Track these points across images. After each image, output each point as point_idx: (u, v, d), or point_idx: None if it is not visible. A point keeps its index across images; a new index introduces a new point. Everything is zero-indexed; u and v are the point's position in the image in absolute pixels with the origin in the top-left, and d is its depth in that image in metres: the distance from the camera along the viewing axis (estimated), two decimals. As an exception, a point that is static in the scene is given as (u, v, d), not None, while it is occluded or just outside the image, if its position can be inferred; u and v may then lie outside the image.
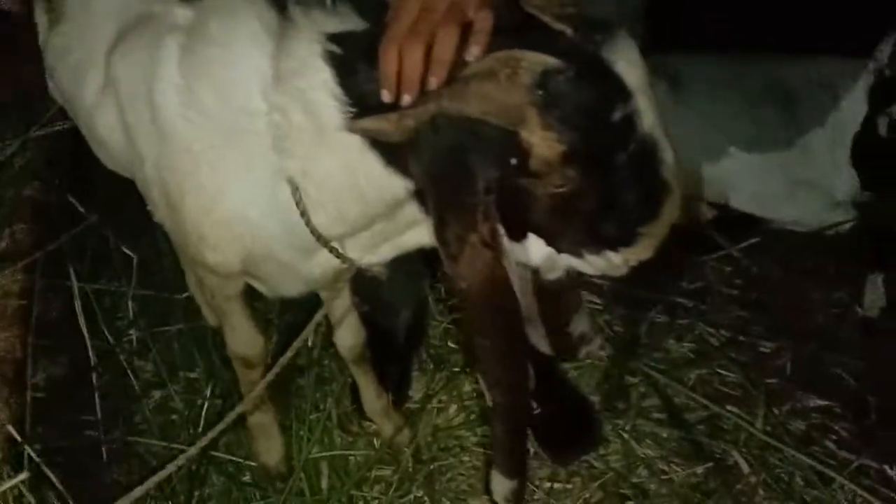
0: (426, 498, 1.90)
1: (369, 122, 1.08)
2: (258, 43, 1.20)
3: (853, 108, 2.34)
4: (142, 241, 2.31)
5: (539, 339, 1.30)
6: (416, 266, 2.19)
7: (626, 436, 2.00)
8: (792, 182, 2.54)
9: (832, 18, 2.48)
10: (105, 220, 2.19)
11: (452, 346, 2.30)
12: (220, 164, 1.26)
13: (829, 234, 2.49)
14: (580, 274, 1.19)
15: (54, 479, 1.48)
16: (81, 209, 2.07)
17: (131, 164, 1.45)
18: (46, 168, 2.13)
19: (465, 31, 1.06)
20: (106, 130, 1.47)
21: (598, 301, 2.33)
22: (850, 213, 2.46)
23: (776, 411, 2.04)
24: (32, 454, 1.46)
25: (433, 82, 1.05)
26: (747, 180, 2.54)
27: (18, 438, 1.48)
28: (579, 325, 1.36)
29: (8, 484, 1.37)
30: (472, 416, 2.09)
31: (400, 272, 2.05)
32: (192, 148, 1.26)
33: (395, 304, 2.18)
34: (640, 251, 1.12)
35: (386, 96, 1.08)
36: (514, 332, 1.14)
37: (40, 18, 1.74)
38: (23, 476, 1.36)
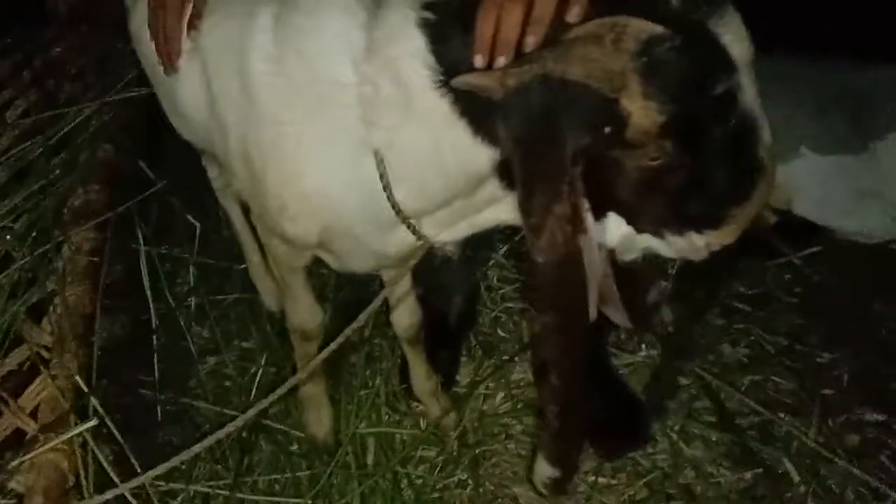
0: (470, 481, 1.91)
1: (473, 78, 1.06)
2: (351, 13, 1.20)
3: (928, 119, 2.27)
4: (205, 211, 2.36)
5: (616, 313, 1.27)
6: (471, 252, 2.19)
7: (674, 436, 1.99)
8: (858, 192, 2.47)
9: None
10: (172, 188, 2.24)
11: (502, 334, 2.31)
12: (305, 136, 1.26)
13: (894, 247, 2.44)
14: (656, 257, 1.18)
15: (115, 432, 1.51)
16: (151, 175, 2.12)
17: (211, 133, 1.46)
18: (121, 132, 2.17)
19: None
20: (188, 98, 1.49)
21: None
22: (918, 227, 2.40)
23: (830, 422, 2.00)
24: (97, 406, 1.50)
25: (531, 41, 1.04)
26: (813, 186, 2.48)
27: (85, 389, 1.52)
28: (653, 294, 1.34)
29: (75, 431, 1.41)
30: (519, 405, 2.10)
31: (459, 254, 2.08)
32: (280, 119, 1.27)
33: (450, 288, 2.19)
34: (725, 234, 1.10)
35: (479, 60, 1.07)
36: (578, 312, 1.12)
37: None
38: (91, 423, 1.40)
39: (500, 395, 2.13)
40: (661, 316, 1.36)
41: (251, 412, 1.45)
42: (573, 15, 1.03)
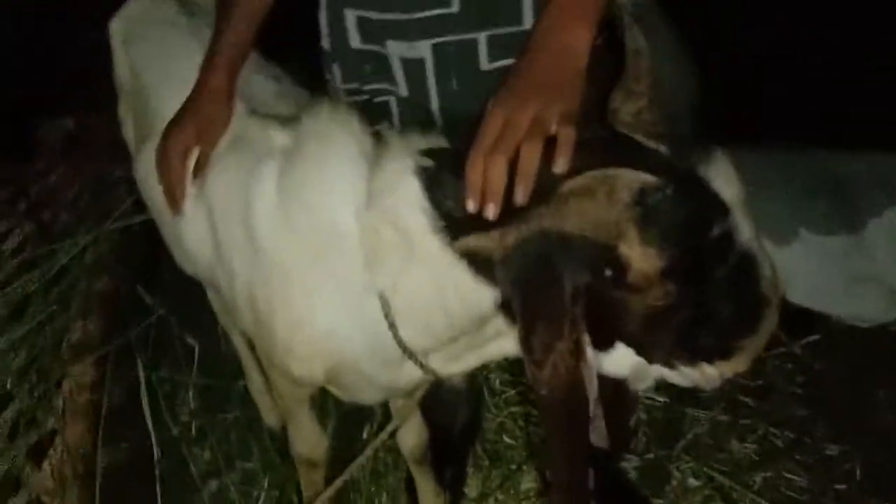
0: None
1: (473, 241, 1.09)
2: (353, 165, 1.23)
3: (914, 203, 2.32)
4: (202, 329, 2.36)
5: (600, 437, 1.27)
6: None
7: (690, 541, 1.96)
8: (851, 276, 2.50)
9: (887, 113, 2.48)
10: (169, 309, 2.24)
11: (508, 441, 2.28)
12: (311, 281, 1.28)
13: (894, 329, 2.44)
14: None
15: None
16: (149, 301, 2.13)
17: (216, 275, 1.48)
18: (117, 261, 2.19)
19: (550, 145, 1.07)
20: (194, 242, 1.51)
21: (658, 398, 2.30)
22: (916, 308, 2.41)
23: (846, 518, 1.97)
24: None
25: (520, 194, 1.06)
26: (805, 273, 2.51)
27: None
28: (634, 418, 1.34)
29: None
30: (530, 515, 2.06)
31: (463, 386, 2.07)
32: (285, 266, 1.29)
33: (453, 401, 2.17)
34: (737, 364, 1.10)
35: (470, 205, 1.09)
36: (581, 437, 1.12)
37: (127, 127, 1.81)
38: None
39: (511, 505, 2.09)
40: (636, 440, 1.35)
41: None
42: (559, 166, 1.05)
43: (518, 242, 1.05)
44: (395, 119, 1.51)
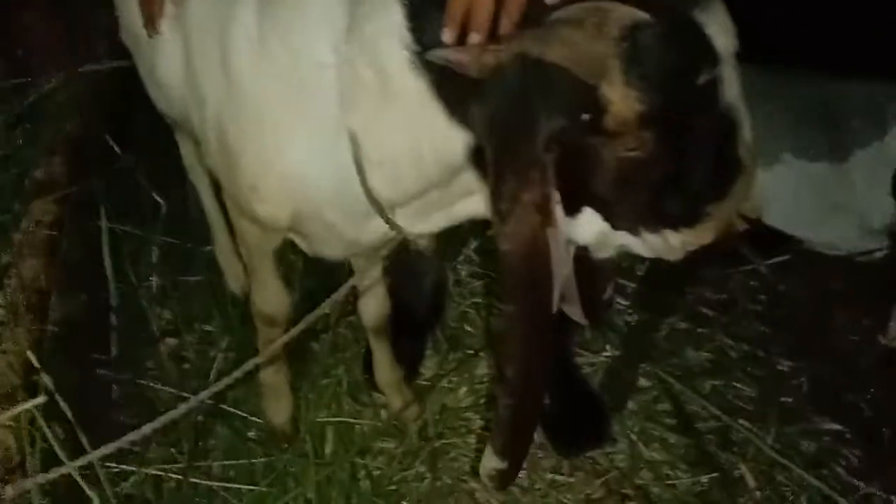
0: (428, 474, 1.90)
1: (451, 53, 1.04)
2: None
3: (898, 134, 2.30)
4: (173, 190, 2.32)
5: (573, 309, 1.26)
6: (441, 246, 2.18)
7: (633, 437, 2.00)
8: (828, 204, 2.50)
9: (886, 39, 2.44)
10: (139, 165, 2.20)
11: (468, 329, 2.29)
12: (284, 119, 1.24)
13: (861, 260, 2.47)
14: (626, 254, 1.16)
15: (66, 409, 1.48)
16: (118, 150, 2.08)
17: (188, 106, 1.44)
18: (88, 106, 2.13)
19: None
20: (167, 67, 1.46)
21: (622, 301, 2.32)
22: (884, 241, 2.43)
23: (788, 430, 2.02)
24: (48, 383, 1.46)
25: (506, 23, 1.02)
26: (784, 197, 2.51)
27: (37, 365, 1.48)
28: (609, 292, 1.33)
29: (23, 407, 1.38)
30: (482, 400, 2.09)
31: (432, 247, 2.06)
32: (258, 100, 1.25)
33: (420, 280, 2.17)
34: (701, 234, 1.08)
35: (447, 35, 1.05)
36: (540, 306, 1.10)
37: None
38: (39, 400, 1.36)
39: (464, 389, 2.12)
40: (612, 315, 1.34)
41: (205, 394, 1.43)
42: None
43: (497, 65, 1.01)
44: None
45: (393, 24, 1.10)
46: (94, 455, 1.36)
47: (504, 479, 1.22)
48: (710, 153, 1.02)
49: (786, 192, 2.49)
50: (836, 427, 2.06)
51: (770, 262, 2.45)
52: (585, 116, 0.99)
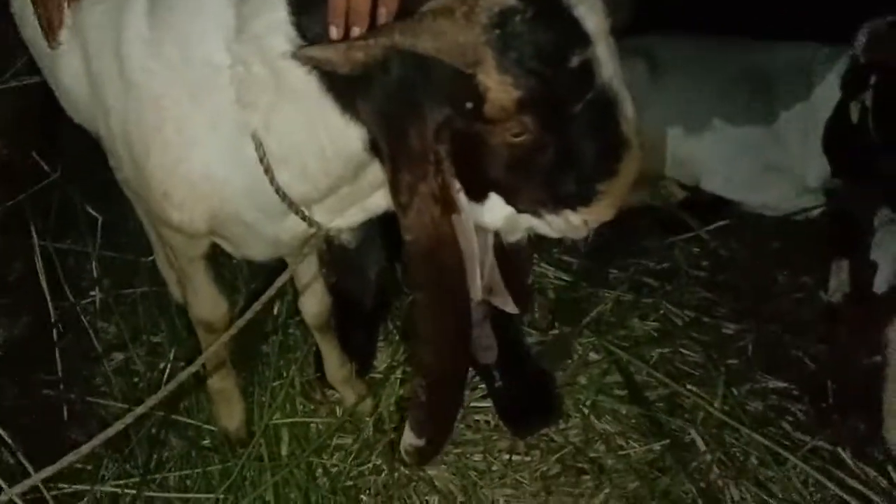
0: (384, 466, 1.91)
1: (315, 50, 1.05)
2: None
3: (826, 94, 2.35)
4: (108, 202, 2.29)
5: (504, 300, 1.28)
6: (385, 236, 2.18)
7: (585, 411, 2.02)
8: (763, 166, 2.55)
9: (810, 4, 2.48)
10: (71, 180, 2.16)
11: (419, 318, 2.30)
12: (185, 120, 1.23)
13: (798, 219, 2.52)
14: (540, 237, 1.18)
15: (2, 434, 1.46)
16: (45, 167, 2.04)
17: (95, 116, 1.42)
18: (12, 124, 2.07)
19: None
20: (71, 79, 1.44)
21: (566, 278, 2.34)
22: (820, 199, 2.48)
23: (735, 391, 2.06)
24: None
25: (383, 13, 1.03)
26: (719, 163, 2.56)
27: (-29, 393, 1.46)
28: (531, 276, 1.35)
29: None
30: (436, 388, 2.10)
31: (369, 241, 2.06)
32: (158, 103, 1.24)
33: (364, 273, 2.17)
34: (599, 211, 1.10)
35: (333, 32, 1.05)
36: (452, 293, 1.12)
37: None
38: (-27, 430, 1.34)
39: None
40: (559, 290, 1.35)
41: (150, 401, 1.41)
42: None
43: (370, 59, 1.01)
44: None
45: (278, 20, 1.10)
46: (34, 479, 1.34)
47: (423, 456, 1.24)
48: (592, 133, 1.04)
49: (720, 158, 2.54)
50: (782, 384, 2.11)
51: (710, 227, 2.49)
52: (468, 105, 1.00)
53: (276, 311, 2.23)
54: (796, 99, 2.46)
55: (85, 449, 1.33)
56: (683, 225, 2.51)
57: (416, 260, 1.08)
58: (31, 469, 1.45)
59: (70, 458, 1.33)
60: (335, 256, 2.03)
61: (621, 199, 1.10)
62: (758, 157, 2.55)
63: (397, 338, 2.24)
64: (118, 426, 1.37)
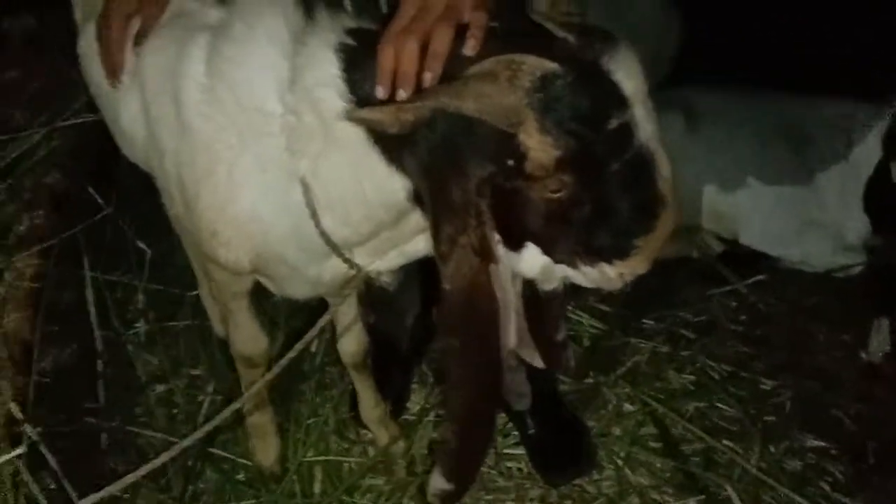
0: (417, 509, 1.91)
1: (367, 113, 1.10)
2: (278, 43, 1.23)
3: (867, 152, 2.35)
4: (157, 237, 2.36)
5: (531, 354, 1.30)
6: (422, 281, 2.21)
7: (620, 462, 2.00)
8: (802, 222, 2.55)
9: (850, 61, 2.50)
10: (123, 214, 2.24)
11: (454, 361, 2.31)
12: (236, 163, 1.29)
13: (838, 275, 2.50)
14: (575, 287, 1.21)
15: (50, 459, 1.50)
16: (100, 200, 2.12)
17: (150, 156, 1.48)
18: (69, 158, 2.17)
19: (463, 30, 1.09)
20: (129, 121, 1.51)
21: (601, 326, 2.34)
22: (860, 256, 2.47)
23: (773, 449, 2.03)
24: (31, 433, 1.48)
25: (428, 77, 1.08)
26: (758, 217, 2.56)
27: (19, 417, 1.50)
28: (563, 332, 1.37)
29: (4, 458, 1.39)
30: (468, 433, 2.10)
31: (407, 285, 2.09)
32: (211, 146, 1.29)
33: (401, 315, 2.20)
34: (635, 264, 1.13)
35: (380, 91, 1.11)
36: (486, 340, 1.14)
37: (77, 9, 1.79)
38: (19, 451, 1.38)
39: (450, 422, 2.13)
40: (567, 355, 1.36)
41: (190, 438, 1.44)
42: (469, 48, 1.07)
43: (418, 120, 1.06)
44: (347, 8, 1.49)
45: (330, 76, 1.16)
46: (80, 504, 1.37)
47: (449, 500, 1.24)
48: (630, 191, 1.07)
49: (759, 212, 2.54)
50: (821, 443, 2.08)
51: (748, 281, 2.48)
52: (510, 162, 1.05)
53: (313, 349, 2.27)
54: (836, 155, 2.47)
55: (130, 478, 1.35)
56: (721, 278, 2.50)
57: (454, 307, 1.11)
58: (73, 496, 1.47)
59: (115, 486, 1.36)
60: (374, 298, 2.06)
61: (656, 254, 1.13)
62: (796, 213, 2.55)
63: (431, 381, 2.25)
64: (164, 457, 1.39)
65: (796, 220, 2.52)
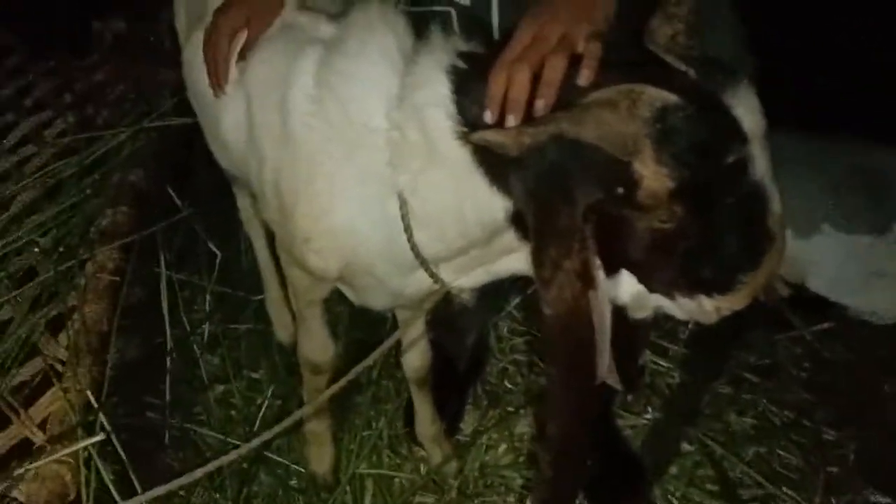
0: (466, 530, 1.90)
1: (490, 134, 1.10)
2: (389, 60, 1.26)
3: (946, 202, 2.30)
4: (228, 241, 2.41)
5: (608, 373, 1.29)
6: (487, 301, 2.22)
7: (675, 502, 1.97)
8: (872, 271, 2.49)
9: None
10: (198, 216, 2.30)
11: (509, 385, 2.31)
12: (337, 175, 1.31)
13: (907, 328, 2.44)
14: (666, 316, 1.20)
15: (120, 450, 1.53)
16: (178, 202, 2.18)
17: (247, 162, 1.52)
18: (153, 159, 2.24)
19: (577, 61, 1.10)
20: (230, 126, 1.55)
21: (663, 363, 2.32)
22: (930, 309, 2.40)
23: (834, 501, 1.97)
24: (105, 423, 1.52)
25: (541, 105, 1.09)
26: (827, 263, 2.50)
27: (95, 405, 1.54)
28: (643, 358, 1.35)
29: (81, 444, 1.43)
30: (521, 458, 2.09)
31: (474, 306, 2.10)
32: (314, 157, 1.32)
33: (462, 335, 2.21)
34: (735, 300, 1.12)
35: (488, 116, 1.12)
36: (585, 367, 1.13)
37: (179, 15, 1.85)
38: (97, 438, 1.42)
39: (503, 446, 2.12)
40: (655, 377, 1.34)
41: (254, 442, 1.46)
42: (584, 78, 1.08)
43: (535, 144, 1.06)
44: (455, 30, 1.52)
45: (439, 96, 1.18)
46: (144, 497, 1.39)
47: None
48: (740, 226, 1.06)
49: (828, 260, 2.49)
50: (885, 500, 2.01)
51: (814, 328, 2.43)
52: (620, 190, 1.04)
53: (371, 362, 2.28)
54: (910, 207, 2.41)
55: (197, 474, 1.37)
56: (787, 323, 2.46)
57: (554, 333, 1.10)
58: (139, 487, 1.50)
59: (181, 481, 1.38)
60: (436, 315, 2.08)
61: (759, 291, 1.11)
62: (867, 262, 2.49)
63: (485, 403, 2.25)
64: (225, 459, 1.41)
65: (867, 270, 2.45)
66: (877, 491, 2.02)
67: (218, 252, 2.32)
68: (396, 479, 2.02)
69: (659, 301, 1.18)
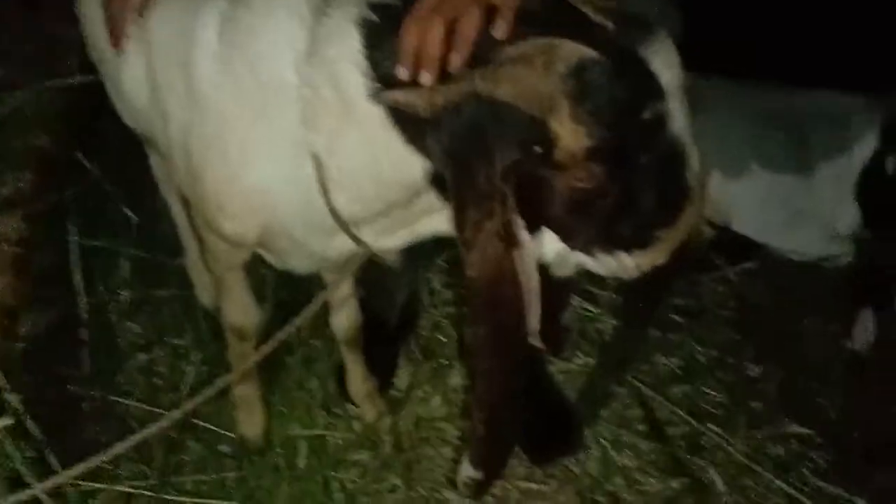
0: (402, 485, 1.90)
1: (399, 95, 1.07)
2: (297, 14, 1.19)
3: (863, 143, 2.35)
4: (143, 204, 2.32)
5: (533, 336, 1.29)
6: (415, 255, 2.19)
7: (605, 444, 2.01)
8: (794, 211, 2.55)
9: (849, 54, 2.49)
10: (109, 179, 2.20)
11: (442, 338, 2.30)
12: (248, 135, 1.25)
13: (827, 265, 2.51)
14: (589, 273, 1.19)
15: (35, 431, 1.47)
16: (87, 165, 2.08)
17: (152, 121, 1.44)
18: (57, 121, 2.12)
19: (493, 13, 1.05)
20: (131, 84, 1.46)
21: (592, 310, 2.34)
22: (849, 247, 2.48)
23: (757, 434, 2.05)
24: (16, 403, 1.46)
25: (455, 59, 1.04)
26: (750, 204, 2.55)
27: (4, 385, 1.47)
28: (566, 317, 1.35)
29: (-10, 427, 1.37)
30: (455, 410, 2.10)
31: (401, 264, 2.07)
32: (222, 116, 1.26)
33: (391, 291, 2.18)
34: (654, 256, 1.11)
35: (402, 72, 1.07)
36: (511, 326, 1.12)
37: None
38: (5, 422, 1.36)
39: (437, 399, 2.12)
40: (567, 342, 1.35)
41: (178, 412, 1.43)
42: (499, 31, 1.04)
43: (448, 104, 1.03)
44: None
45: (352, 50, 1.12)
46: (62, 476, 1.35)
47: (480, 489, 1.24)
48: (658, 183, 1.05)
49: (752, 201, 2.54)
50: (805, 431, 2.10)
51: (738, 268, 2.49)
52: (537, 149, 1.02)
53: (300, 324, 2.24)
54: (832, 147, 2.46)
55: (118, 449, 1.34)
56: (712, 264, 2.51)
57: (478, 294, 1.08)
58: (57, 466, 1.45)
59: (100, 457, 1.35)
60: (364, 274, 2.05)
61: (676, 246, 1.11)
62: (789, 203, 2.55)
63: (419, 357, 2.24)
64: (152, 429, 1.38)
65: (788, 209, 2.52)
66: (796, 423, 2.10)
67: (133, 215, 2.23)
68: (330, 439, 2.00)
69: (580, 259, 1.16)
